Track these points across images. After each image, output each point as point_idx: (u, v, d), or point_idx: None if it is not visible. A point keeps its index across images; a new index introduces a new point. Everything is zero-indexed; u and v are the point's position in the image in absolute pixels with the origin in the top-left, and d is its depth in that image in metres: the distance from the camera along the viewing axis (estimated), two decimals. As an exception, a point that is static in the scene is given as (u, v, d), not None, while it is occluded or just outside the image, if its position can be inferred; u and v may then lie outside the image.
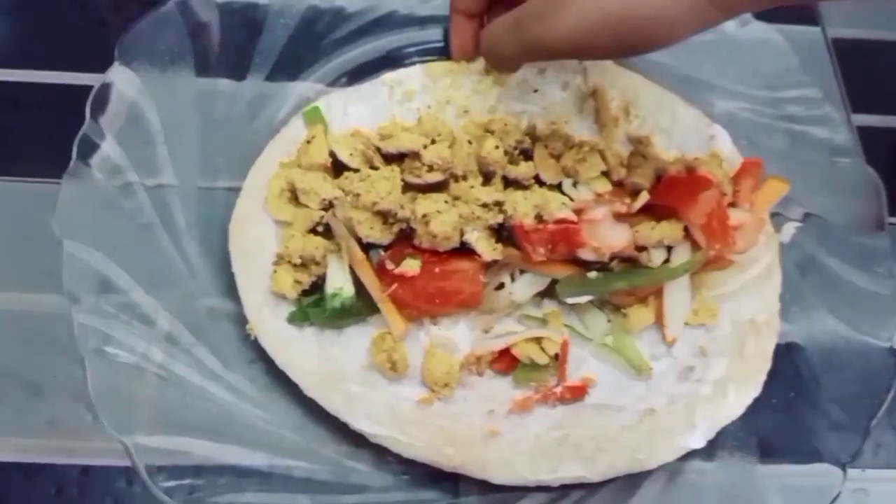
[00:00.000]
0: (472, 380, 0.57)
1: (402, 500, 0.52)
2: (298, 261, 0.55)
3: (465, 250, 0.56)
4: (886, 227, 0.60)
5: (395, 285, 0.55)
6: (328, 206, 0.57)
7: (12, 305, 0.58)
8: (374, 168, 0.58)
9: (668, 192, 0.57)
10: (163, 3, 0.63)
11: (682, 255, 0.57)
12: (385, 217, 0.56)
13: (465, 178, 0.58)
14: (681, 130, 0.62)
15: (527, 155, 0.60)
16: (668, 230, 0.56)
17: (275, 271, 0.56)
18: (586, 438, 0.53)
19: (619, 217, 0.57)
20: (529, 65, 0.61)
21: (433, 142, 0.59)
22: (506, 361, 0.57)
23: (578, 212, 0.57)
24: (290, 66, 0.65)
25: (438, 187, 0.58)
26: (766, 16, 0.68)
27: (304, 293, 0.56)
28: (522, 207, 0.56)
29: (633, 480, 0.53)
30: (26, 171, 0.63)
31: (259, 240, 0.57)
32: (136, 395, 0.52)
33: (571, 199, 0.58)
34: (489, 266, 0.56)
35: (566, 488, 0.52)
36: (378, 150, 0.59)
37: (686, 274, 0.57)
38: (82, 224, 0.55)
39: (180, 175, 0.59)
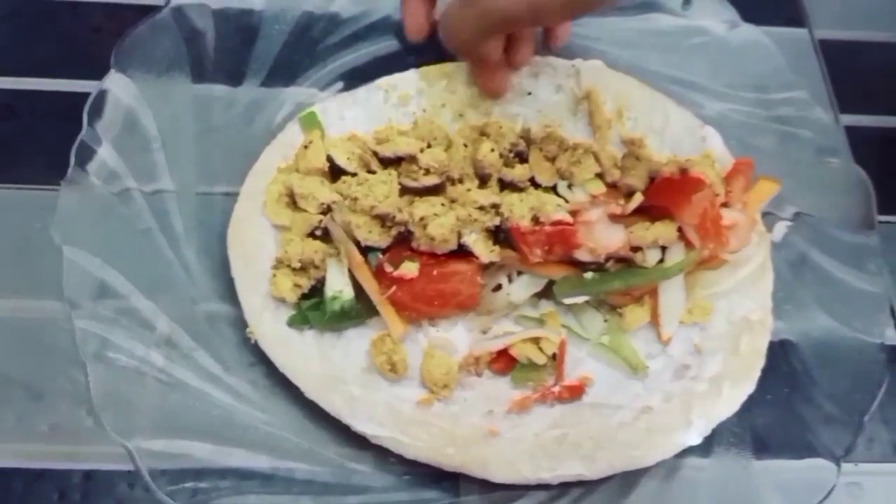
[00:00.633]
0: (471, 380, 0.57)
1: (404, 500, 0.52)
2: (297, 265, 0.56)
3: (462, 252, 0.56)
4: (876, 225, 0.61)
5: (393, 288, 0.55)
6: (326, 210, 0.57)
7: (12, 312, 0.58)
8: (371, 172, 0.59)
9: (662, 193, 0.58)
10: (158, 11, 0.64)
11: (676, 255, 0.58)
12: (383, 220, 0.56)
13: (461, 181, 0.59)
14: (673, 132, 0.63)
15: (522, 158, 0.61)
16: (662, 230, 0.57)
17: (274, 275, 0.56)
18: (585, 437, 0.54)
19: (613, 218, 0.58)
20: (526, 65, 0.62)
21: (429, 145, 0.60)
22: (504, 362, 0.57)
23: (574, 213, 0.57)
24: (286, 71, 0.66)
25: (435, 190, 0.58)
26: (754, 18, 0.69)
27: (304, 297, 0.57)
28: (519, 209, 0.56)
29: (630, 477, 0.54)
30: (24, 178, 0.63)
31: (258, 244, 0.58)
32: (137, 400, 0.52)
33: (567, 201, 0.59)
34: (487, 268, 0.57)
35: (565, 486, 0.53)
36: (375, 154, 0.59)
37: (680, 273, 0.58)
38: (81, 230, 0.55)
39: (178, 181, 0.60)
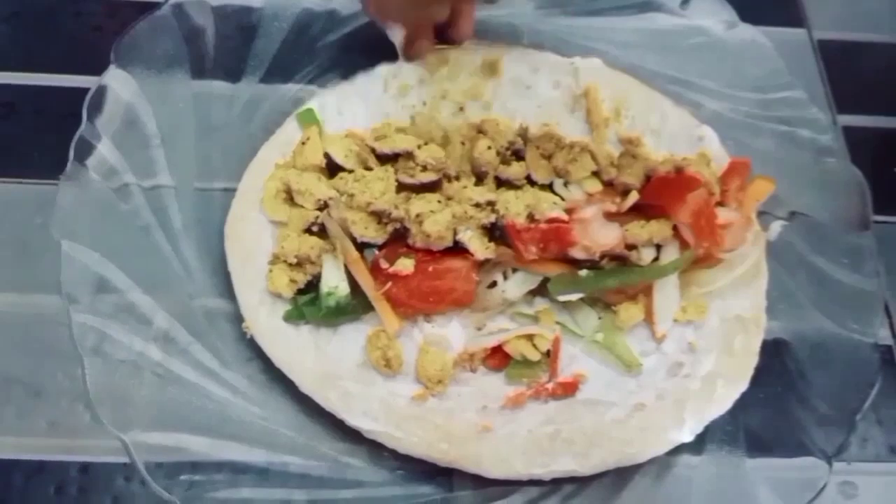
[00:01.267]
0: (466, 376, 0.57)
1: (398, 494, 0.52)
2: (294, 260, 0.56)
3: (458, 249, 0.57)
4: (871, 225, 0.61)
5: (389, 284, 0.56)
6: (323, 206, 0.58)
7: (11, 307, 0.59)
8: (368, 169, 0.59)
9: (658, 192, 0.58)
10: (158, 7, 0.64)
11: (671, 254, 0.58)
12: (379, 217, 0.57)
13: (458, 178, 0.59)
14: (670, 131, 0.64)
15: (519, 155, 0.62)
16: (657, 229, 0.57)
17: (271, 271, 0.57)
18: (578, 433, 0.54)
19: (609, 216, 0.58)
20: (520, 61, 0.63)
21: (426, 142, 0.60)
22: (498, 358, 0.57)
23: (570, 211, 0.58)
24: (285, 68, 0.66)
25: (432, 187, 0.59)
26: (752, 18, 0.69)
27: (300, 292, 0.57)
28: (514, 207, 0.57)
29: (623, 474, 0.54)
30: (24, 173, 0.63)
31: (255, 240, 0.58)
32: (134, 394, 0.52)
33: (563, 199, 0.59)
34: (482, 265, 0.57)
35: (558, 482, 0.53)
36: (372, 150, 0.60)
37: (675, 272, 0.58)
38: (80, 225, 0.56)
39: (176, 176, 0.60)
